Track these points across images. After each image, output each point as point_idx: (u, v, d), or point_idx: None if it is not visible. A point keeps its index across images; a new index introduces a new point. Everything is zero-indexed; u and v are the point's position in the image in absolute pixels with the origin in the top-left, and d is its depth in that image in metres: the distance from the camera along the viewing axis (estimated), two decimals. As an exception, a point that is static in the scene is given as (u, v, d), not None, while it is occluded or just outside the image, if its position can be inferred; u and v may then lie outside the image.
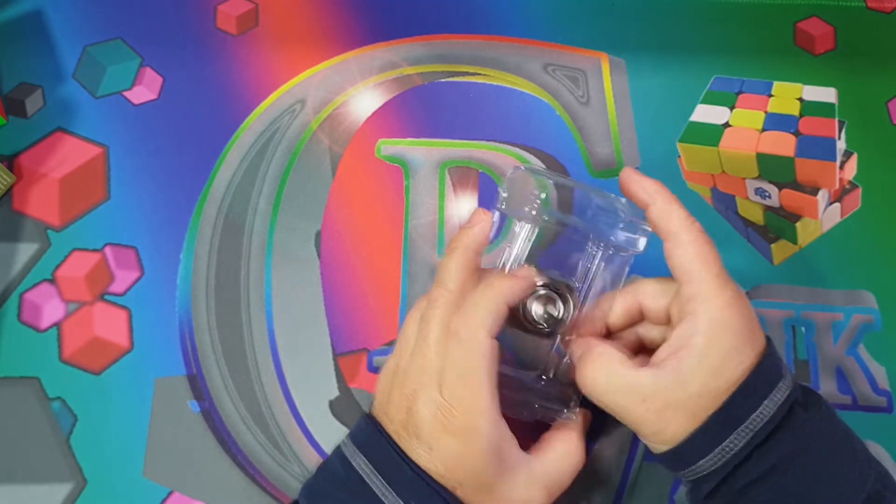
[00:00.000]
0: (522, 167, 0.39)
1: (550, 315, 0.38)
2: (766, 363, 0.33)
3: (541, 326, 0.38)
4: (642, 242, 0.38)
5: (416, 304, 0.38)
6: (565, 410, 0.38)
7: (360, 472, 0.34)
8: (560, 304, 0.39)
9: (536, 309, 0.38)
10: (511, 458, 0.34)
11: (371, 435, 0.35)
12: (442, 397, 0.33)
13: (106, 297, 0.46)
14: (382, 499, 0.33)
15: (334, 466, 0.36)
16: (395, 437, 0.35)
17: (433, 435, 0.33)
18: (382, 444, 0.34)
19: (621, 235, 0.38)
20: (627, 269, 0.39)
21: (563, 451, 0.36)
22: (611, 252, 0.39)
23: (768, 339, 0.34)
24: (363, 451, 0.35)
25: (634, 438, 0.43)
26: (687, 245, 0.35)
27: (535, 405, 0.38)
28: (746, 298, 0.34)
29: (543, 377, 0.38)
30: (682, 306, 0.34)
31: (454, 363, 0.34)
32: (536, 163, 0.49)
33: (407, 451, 0.34)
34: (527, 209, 0.39)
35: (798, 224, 0.47)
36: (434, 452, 0.33)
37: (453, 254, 0.36)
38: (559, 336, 0.38)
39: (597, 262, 0.39)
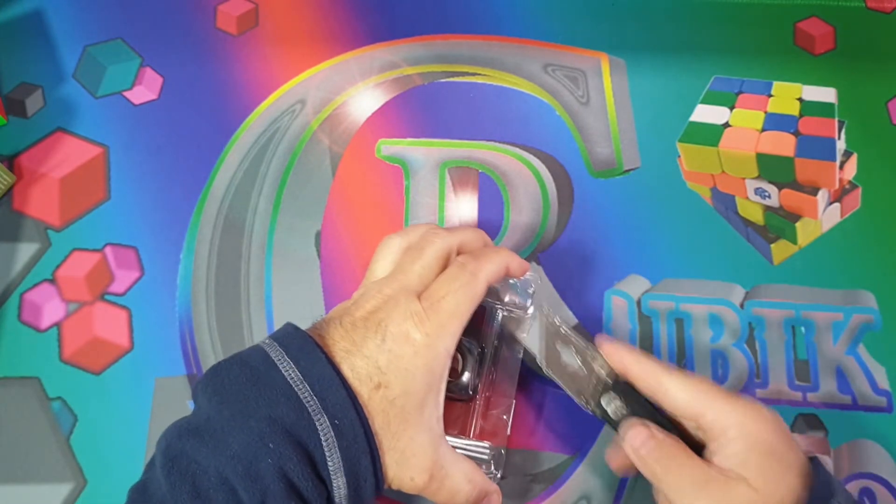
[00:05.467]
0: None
1: (453, 370, 0.40)
2: (817, 479, 0.33)
3: (451, 385, 0.39)
4: (530, 301, 0.41)
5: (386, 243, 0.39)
6: (489, 468, 0.40)
7: (276, 361, 0.33)
8: (461, 362, 0.41)
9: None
10: (435, 409, 0.35)
11: (292, 333, 0.35)
12: (421, 307, 0.34)
13: (106, 297, 0.46)
14: (291, 384, 0.32)
15: (249, 355, 0.34)
16: (337, 333, 0.34)
17: (395, 330, 0.34)
18: (304, 338, 0.34)
19: (514, 296, 0.42)
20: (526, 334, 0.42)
21: (469, 468, 0.37)
22: (507, 312, 0.42)
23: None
24: (281, 343, 0.34)
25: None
26: (678, 386, 0.35)
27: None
28: (760, 404, 0.35)
29: (466, 439, 0.40)
30: (712, 437, 0.34)
31: (455, 292, 0.35)
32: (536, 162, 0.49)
33: (336, 347, 0.34)
34: None
35: (798, 224, 0.48)
36: (384, 345, 0.33)
37: (495, 249, 0.39)
38: (476, 399, 0.41)
39: (498, 322, 0.42)
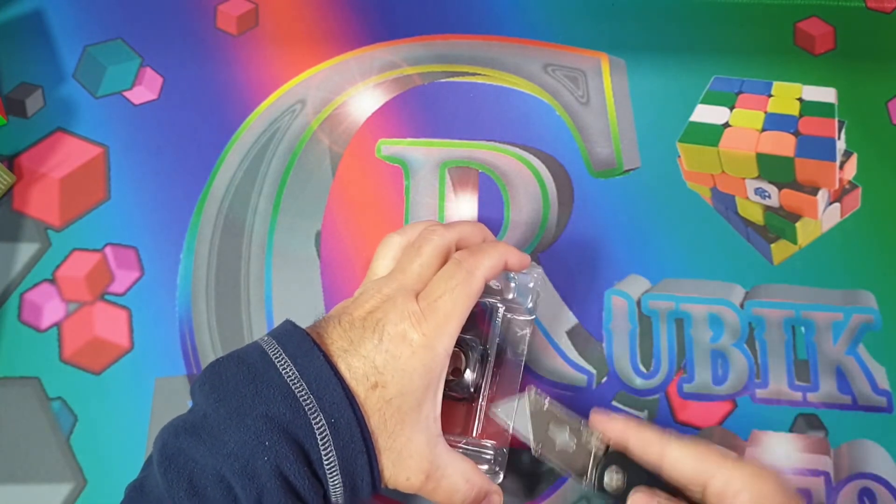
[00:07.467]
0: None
1: (456, 370, 0.40)
2: None
3: (453, 384, 0.40)
4: (530, 297, 0.41)
5: (387, 241, 0.39)
6: (491, 468, 0.40)
7: (274, 358, 0.33)
8: (464, 361, 0.40)
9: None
10: (432, 409, 0.35)
11: (291, 330, 0.35)
12: (419, 307, 0.34)
13: (106, 297, 0.46)
14: (287, 381, 0.32)
15: (247, 353, 0.35)
16: (335, 332, 0.34)
17: (393, 330, 0.34)
18: (302, 336, 0.34)
19: (513, 292, 0.42)
20: (528, 331, 0.43)
21: (467, 468, 0.36)
22: (509, 314, 0.42)
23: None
24: (280, 342, 0.34)
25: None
26: (682, 452, 0.35)
27: None
28: (764, 464, 0.35)
29: (468, 438, 0.40)
30: (721, 500, 0.34)
31: (451, 291, 0.35)
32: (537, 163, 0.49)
33: (334, 346, 0.34)
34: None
35: (798, 224, 0.48)
36: (381, 345, 0.33)
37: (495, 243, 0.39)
38: (479, 398, 0.41)
39: (499, 320, 0.42)
